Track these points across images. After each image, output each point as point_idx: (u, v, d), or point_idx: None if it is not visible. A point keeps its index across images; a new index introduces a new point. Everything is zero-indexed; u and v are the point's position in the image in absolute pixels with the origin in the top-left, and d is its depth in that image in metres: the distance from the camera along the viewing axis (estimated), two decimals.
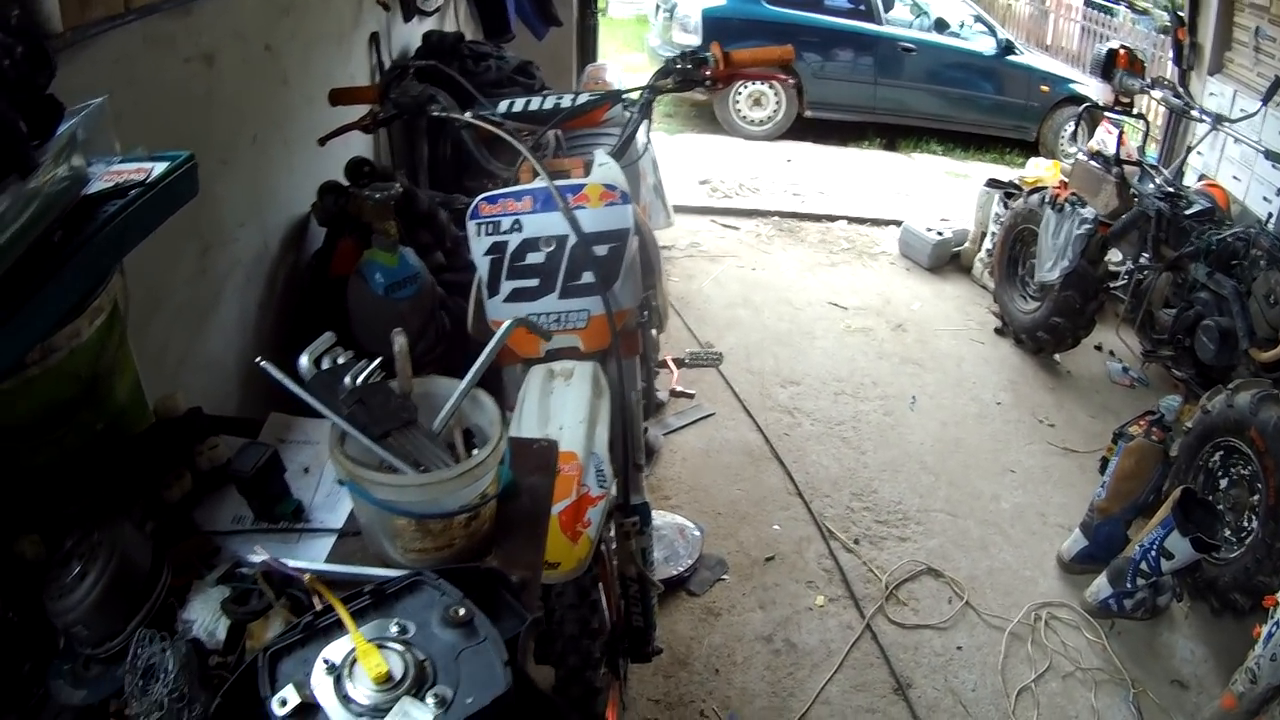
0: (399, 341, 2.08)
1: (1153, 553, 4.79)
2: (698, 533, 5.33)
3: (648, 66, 13.97)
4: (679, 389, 6.75)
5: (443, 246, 4.70)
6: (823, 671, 4.67)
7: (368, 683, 1.41)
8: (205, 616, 1.91)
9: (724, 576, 5.19)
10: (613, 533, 3.43)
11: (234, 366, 4.06)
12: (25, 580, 2.01)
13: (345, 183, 4.68)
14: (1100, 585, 5.07)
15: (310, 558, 2.11)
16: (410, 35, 6.34)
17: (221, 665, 1.88)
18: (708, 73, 3.78)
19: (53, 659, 1.93)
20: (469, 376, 2.07)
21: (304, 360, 2.02)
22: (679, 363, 6.60)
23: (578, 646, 2.96)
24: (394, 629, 1.60)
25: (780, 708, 4.49)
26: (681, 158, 11.28)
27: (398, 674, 1.45)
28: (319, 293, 4.51)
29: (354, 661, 1.45)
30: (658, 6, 14.77)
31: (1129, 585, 4.91)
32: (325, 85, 4.27)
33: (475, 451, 2.04)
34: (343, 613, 1.45)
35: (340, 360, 2.04)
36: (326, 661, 1.48)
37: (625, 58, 12.70)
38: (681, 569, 5.09)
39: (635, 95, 3.81)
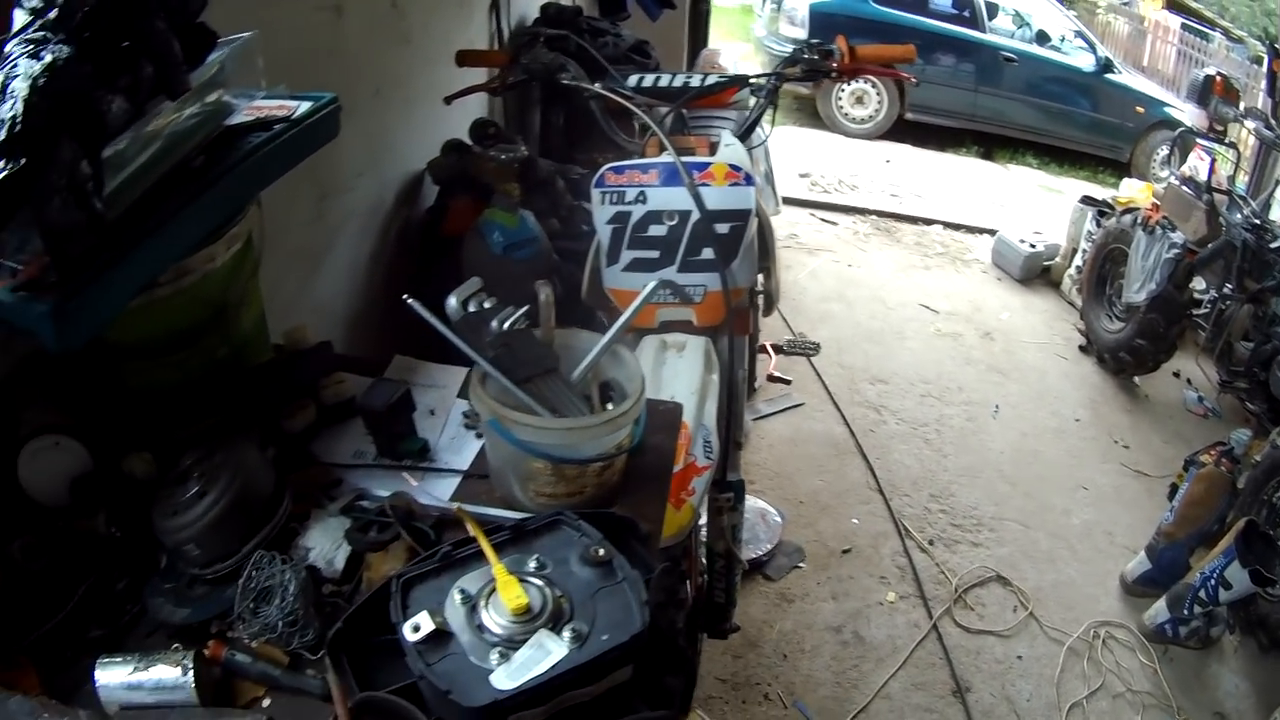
0: (544, 292, 2.11)
1: (1212, 581, 4.78)
2: (779, 519, 5.37)
3: (753, 56, 14.04)
4: (776, 374, 6.80)
5: (558, 214, 4.73)
6: (887, 667, 4.70)
7: (505, 614, 1.44)
8: (324, 544, 1.94)
9: (800, 564, 5.23)
10: (704, 507, 3.44)
11: (342, 313, 4.11)
12: (132, 498, 2.03)
13: (468, 142, 4.72)
14: (1159, 609, 5.07)
15: (434, 497, 2.13)
16: (528, 6, 6.35)
17: (336, 594, 1.91)
18: (833, 65, 3.79)
19: (151, 577, 1.97)
20: (611, 331, 2.12)
21: (452, 301, 2.05)
22: (777, 349, 6.63)
23: (663, 615, 2.95)
24: (532, 564, 1.62)
25: (843, 698, 4.52)
26: (783, 149, 11.20)
27: (536, 607, 1.47)
28: (431, 249, 4.55)
29: (492, 592, 1.48)
30: None
31: (1186, 612, 4.90)
32: (446, 46, 4.29)
33: (609, 405, 2.07)
34: (485, 544, 1.47)
35: (486, 305, 2.06)
36: (462, 591, 1.51)
37: (729, 46, 12.71)
38: (761, 553, 5.13)
39: (762, 81, 3.82)
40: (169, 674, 1.66)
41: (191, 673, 1.66)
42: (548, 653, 1.41)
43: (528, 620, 1.45)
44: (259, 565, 1.82)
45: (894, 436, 6.45)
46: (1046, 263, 9.08)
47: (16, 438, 1.98)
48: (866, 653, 4.77)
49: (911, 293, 8.60)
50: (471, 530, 1.53)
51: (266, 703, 1.73)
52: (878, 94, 13.36)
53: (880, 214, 10.22)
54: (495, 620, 1.45)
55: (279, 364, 2.49)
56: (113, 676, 1.67)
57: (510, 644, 1.43)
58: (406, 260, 4.63)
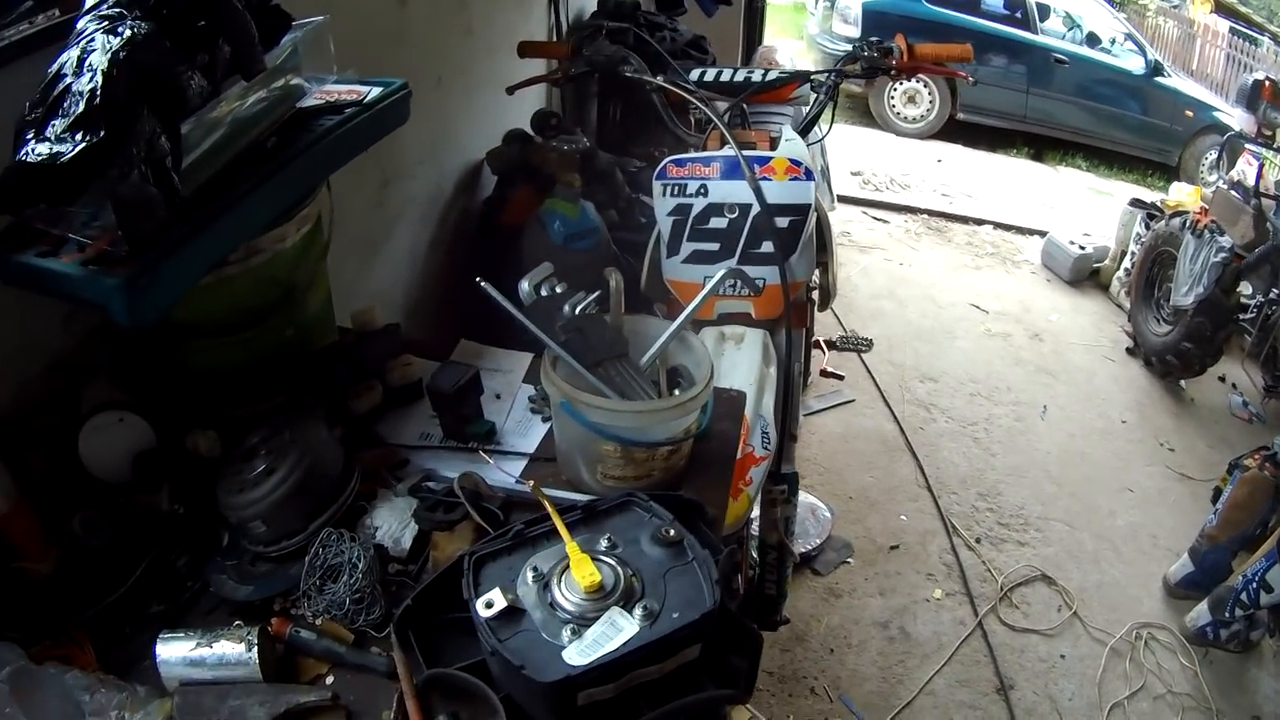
0: (615, 278, 2.13)
1: (1254, 584, 4.76)
2: (828, 514, 5.40)
3: (806, 54, 14.04)
4: (829, 370, 6.82)
5: (617, 205, 4.73)
6: (932, 663, 4.71)
7: (577, 591, 1.46)
8: (391, 524, 1.96)
9: (849, 560, 5.25)
10: (758, 498, 3.46)
11: (400, 300, 4.12)
12: (196, 475, 2.05)
13: (530, 132, 4.74)
14: (1200, 612, 5.06)
15: (505, 473, 2.17)
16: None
17: (402, 573, 1.93)
18: (892, 63, 3.81)
19: (213, 554, 1.99)
20: (681, 317, 2.14)
21: (525, 285, 2.08)
22: (830, 345, 6.66)
23: None
24: (604, 543, 1.64)
25: (888, 693, 4.55)
26: (835, 147, 11.24)
27: (609, 585, 1.49)
28: (489, 238, 4.57)
29: (564, 570, 1.50)
30: None
31: (1227, 615, 4.89)
32: (507, 37, 4.31)
33: (676, 391, 2.08)
34: (559, 522, 1.48)
35: (558, 290, 2.08)
36: (535, 569, 1.52)
37: (782, 43, 12.68)
38: (810, 547, 5.15)
39: (822, 77, 3.84)
40: (232, 650, 1.68)
41: (256, 649, 1.67)
42: (619, 630, 1.43)
43: (600, 598, 1.46)
44: (326, 543, 1.84)
45: (943, 435, 6.46)
46: (1096, 265, 9.06)
47: (78, 414, 2.00)
48: (912, 649, 4.78)
49: (962, 292, 8.61)
50: (547, 508, 1.54)
51: (330, 680, 1.75)
52: (930, 93, 13.33)
53: (931, 213, 10.22)
54: (567, 597, 1.47)
55: (347, 345, 2.52)
56: (174, 651, 1.69)
57: (582, 621, 1.45)
58: (464, 249, 4.65)
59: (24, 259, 1.73)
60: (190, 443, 2.12)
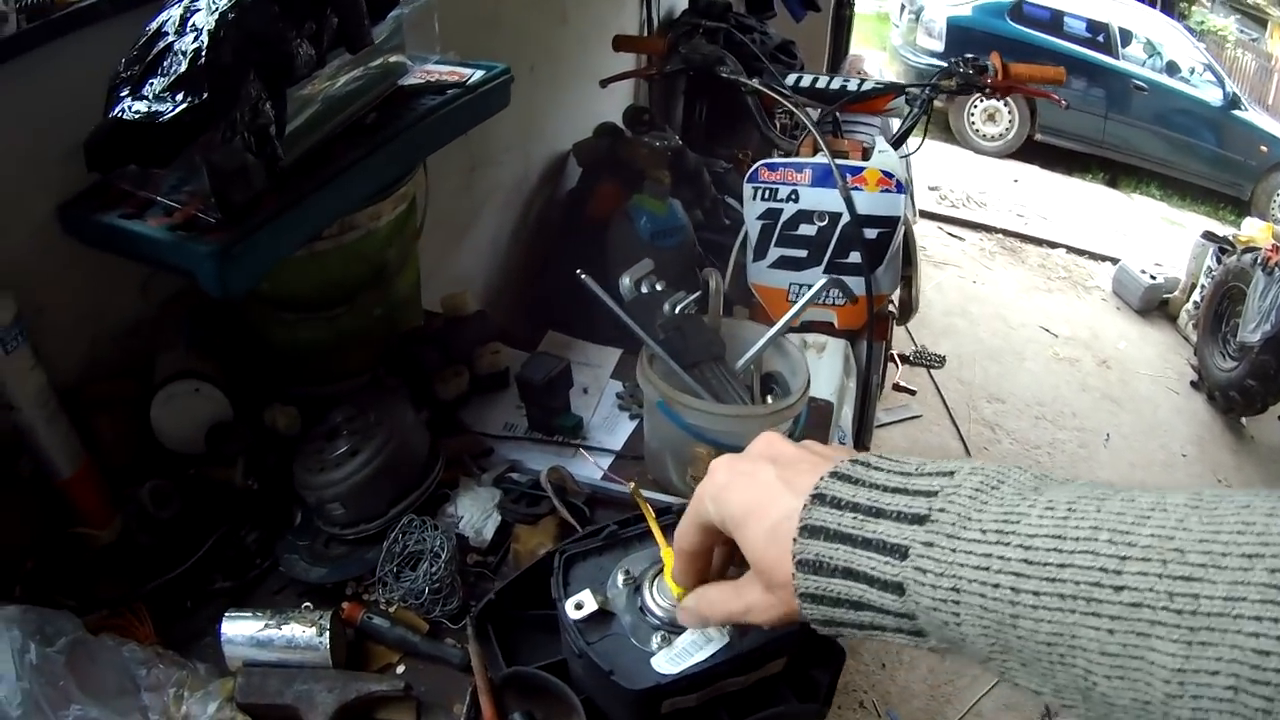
0: (714, 278, 2.11)
1: None
2: None
3: (889, 65, 14.07)
4: (901, 384, 6.86)
5: (702, 205, 4.72)
6: (981, 684, 4.67)
7: (669, 597, 1.42)
8: (473, 514, 1.94)
9: None
10: None
11: (480, 288, 4.10)
12: (272, 451, 2.04)
13: (621, 126, 4.76)
14: None
15: (584, 475, 2.12)
16: None
17: (481, 564, 1.91)
18: (987, 80, 3.79)
19: (284, 533, 1.96)
20: (781, 322, 2.11)
21: (626, 281, 2.07)
22: (904, 359, 6.63)
23: None
24: None
25: (935, 712, 4.54)
26: (915, 161, 11.30)
27: None
28: (573, 231, 4.56)
29: (657, 575, 1.46)
30: (903, 7, 14.81)
31: None
32: (600, 29, 4.32)
33: (769, 398, 2.06)
34: (654, 526, 1.45)
35: (658, 288, 2.06)
36: (626, 572, 1.49)
37: (865, 53, 12.72)
38: None
39: (916, 90, 3.82)
40: (302, 633, 1.64)
41: (327, 633, 1.63)
42: (709, 639, 1.39)
43: None
44: (408, 529, 1.81)
45: (1006, 456, 6.40)
46: (1165, 295, 9.09)
47: (153, 381, 1.97)
48: (963, 668, 4.75)
49: (1033, 314, 8.64)
50: (643, 510, 1.50)
51: (400, 669, 1.72)
52: (1010, 113, 13.33)
53: (1006, 233, 10.28)
54: (659, 603, 1.43)
55: (437, 329, 2.50)
56: (241, 630, 1.65)
57: (673, 628, 1.41)
58: (545, 239, 4.65)
59: (109, 220, 1.72)
60: (269, 418, 2.09)
